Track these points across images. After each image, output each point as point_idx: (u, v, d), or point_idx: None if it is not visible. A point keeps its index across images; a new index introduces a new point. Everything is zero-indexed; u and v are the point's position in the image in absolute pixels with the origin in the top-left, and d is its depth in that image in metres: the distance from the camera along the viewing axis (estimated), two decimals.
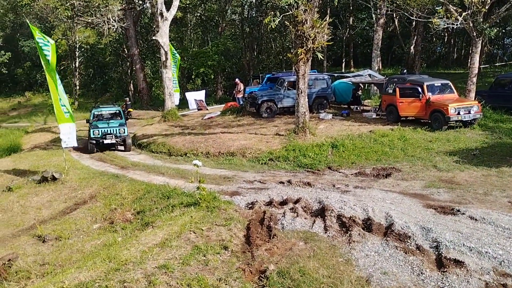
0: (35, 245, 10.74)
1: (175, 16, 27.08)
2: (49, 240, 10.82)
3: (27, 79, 55.54)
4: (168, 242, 7.80)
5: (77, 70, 43.84)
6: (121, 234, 10.10)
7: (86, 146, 20.18)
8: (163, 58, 24.79)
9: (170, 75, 25.21)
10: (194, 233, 8.18)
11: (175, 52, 28.36)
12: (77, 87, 43.35)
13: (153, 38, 25.69)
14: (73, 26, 38.19)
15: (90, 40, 42.07)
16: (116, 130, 19.54)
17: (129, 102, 32.21)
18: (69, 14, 31.67)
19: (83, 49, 44.54)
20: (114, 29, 30.21)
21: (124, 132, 19.65)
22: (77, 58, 43.30)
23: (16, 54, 53.04)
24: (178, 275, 6.63)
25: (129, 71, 43.22)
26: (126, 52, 41.17)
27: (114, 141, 19.44)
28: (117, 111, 21.01)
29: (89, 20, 30.62)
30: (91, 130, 19.35)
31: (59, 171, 15.43)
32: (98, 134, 19.23)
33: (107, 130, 19.39)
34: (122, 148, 20.21)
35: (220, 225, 8.58)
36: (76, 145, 16.97)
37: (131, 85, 42.37)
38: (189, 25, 44.12)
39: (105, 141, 19.21)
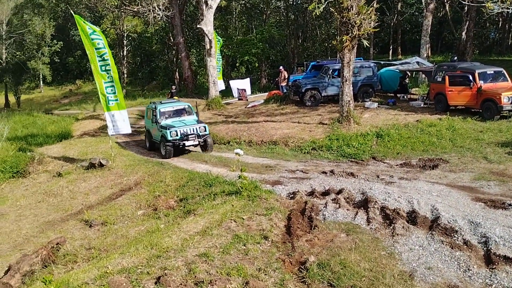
0: (82, 230, 11.12)
1: (219, 4, 27.15)
2: (95, 225, 11.17)
3: (78, 68, 57.45)
4: (209, 231, 7.86)
5: (125, 58, 44.85)
6: (164, 221, 10.28)
7: (151, 146, 17.79)
8: (208, 47, 24.91)
9: (214, 64, 25.33)
10: (235, 222, 8.21)
11: (218, 37, 28.41)
12: (125, 75, 44.37)
13: (198, 26, 25.83)
14: (121, 15, 38.96)
15: (137, 29, 42.90)
16: (196, 129, 16.04)
17: (175, 90, 32.59)
18: (116, 4, 32.30)
19: (130, 38, 45.49)
20: (160, 18, 30.58)
21: (205, 131, 16.24)
22: (125, 47, 44.27)
23: (68, 43, 54.79)
24: (218, 263, 6.68)
25: (174, 59, 43.73)
26: (172, 40, 41.63)
27: (197, 142, 16.01)
28: (187, 106, 17.42)
29: (136, 9, 31.11)
30: (168, 132, 15.55)
31: (106, 158, 15.87)
32: (177, 136, 15.58)
33: (188, 130, 15.84)
34: (196, 149, 17.01)
35: (260, 215, 8.56)
36: (129, 131, 17.15)
37: (177, 73, 42.88)
38: (234, 13, 44.13)
39: (187, 143, 15.70)
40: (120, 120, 16.03)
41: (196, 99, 32.47)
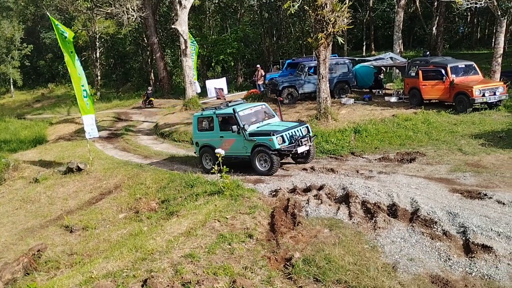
0: (63, 235, 10.99)
1: (193, 4, 27.02)
2: (76, 230, 11.06)
3: (49, 71, 56.44)
4: (193, 231, 7.88)
5: (98, 60, 44.25)
6: (147, 223, 10.25)
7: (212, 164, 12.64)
8: (183, 47, 24.80)
9: (190, 64, 25.24)
10: (219, 221, 8.25)
11: (193, 40, 28.35)
12: (99, 78, 43.80)
13: (172, 26, 25.68)
14: (93, 17, 38.45)
15: (110, 30, 42.35)
16: (302, 131, 12.73)
17: (150, 91, 32.39)
18: (89, 5, 31.89)
19: (103, 39, 44.89)
20: (133, 19, 30.32)
21: (309, 132, 13.04)
22: (98, 49, 43.68)
23: (38, 46, 53.79)
24: (204, 263, 6.71)
25: (149, 60, 43.42)
26: (146, 41, 41.33)
27: (308, 147, 12.69)
28: (264, 107, 13.85)
29: (108, 11, 30.77)
30: (274, 138, 11.84)
31: (84, 162, 15.68)
32: (284, 142, 12.07)
33: (295, 132, 12.49)
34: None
35: (244, 213, 8.62)
36: (97, 136, 17.01)
37: (152, 74, 42.59)
38: (208, 12, 43.99)
39: (300, 150, 12.28)
40: (94, 123, 15.95)
41: (173, 99, 32.41)
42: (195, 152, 14.06)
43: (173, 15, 29.08)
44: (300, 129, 12.68)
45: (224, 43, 36.47)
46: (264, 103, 14.70)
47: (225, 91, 29.38)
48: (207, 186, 10.82)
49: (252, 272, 6.50)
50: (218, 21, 46.42)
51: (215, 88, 28.68)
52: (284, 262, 6.80)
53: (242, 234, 7.72)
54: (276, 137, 11.93)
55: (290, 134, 12.33)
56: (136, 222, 10.73)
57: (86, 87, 15.74)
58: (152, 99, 31.54)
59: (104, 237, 10.33)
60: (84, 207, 12.83)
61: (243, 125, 12.41)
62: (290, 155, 12.48)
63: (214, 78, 35.60)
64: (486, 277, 6.10)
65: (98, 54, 43.85)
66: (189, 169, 13.54)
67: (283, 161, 12.81)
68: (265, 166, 12.18)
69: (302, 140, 12.30)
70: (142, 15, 30.86)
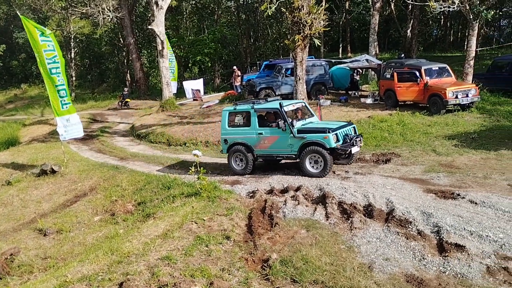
0: (37, 239, 10.79)
1: (170, 5, 26.88)
2: (50, 234, 10.87)
3: (22, 71, 55.35)
4: (170, 233, 7.83)
5: (73, 61, 43.60)
6: (123, 226, 10.14)
7: (246, 164, 12.22)
8: (160, 47, 24.62)
9: (167, 64, 25.08)
10: (196, 223, 8.21)
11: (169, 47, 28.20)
12: (73, 78, 43.15)
13: (149, 27, 25.50)
14: (68, 16, 37.89)
15: (85, 30, 41.79)
16: (351, 131, 11.98)
17: (127, 92, 32.08)
18: (63, 5, 31.41)
19: (78, 39, 44.26)
20: (109, 19, 30.00)
21: (355, 132, 12.30)
22: (73, 49, 43.04)
23: (11, 46, 52.69)
24: (181, 266, 6.67)
25: (125, 61, 43.02)
26: (122, 42, 40.92)
27: (358, 147, 11.76)
28: (304, 105, 13.07)
29: (84, 11, 30.37)
30: (329, 136, 10.86)
31: (58, 164, 15.43)
32: (337, 141, 11.14)
33: (348, 131, 11.81)
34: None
35: (221, 215, 8.60)
36: (81, 136, 16.76)
37: (128, 75, 42.19)
38: (185, 13, 43.82)
39: (353, 150, 11.38)
40: (75, 124, 15.66)
41: (149, 100, 32.16)
42: (221, 151, 13.04)
43: (149, 15, 28.90)
44: (350, 128, 11.94)
45: (201, 44, 36.39)
46: (303, 100, 13.95)
47: (202, 92, 29.29)
48: (184, 188, 10.76)
49: (229, 274, 6.49)
50: (195, 22, 46.29)
51: (192, 89, 28.57)
52: (262, 263, 6.81)
53: (219, 236, 7.70)
54: (332, 135, 10.99)
55: (344, 132, 11.53)
56: (112, 224, 10.61)
57: (66, 87, 15.46)
58: (128, 100, 31.25)
59: (79, 240, 10.18)
60: (58, 210, 12.61)
61: (291, 121, 11.50)
62: (344, 155, 11.83)
63: (191, 79, 35.44)
64: (459, 275, 6.22)
65: (73, 55, 43.21)
66: (167, 171, 13.44)
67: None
68: (316, 167, 11.18)
69: (357, 139, 11.47)
70: (118, 15, 30.56)
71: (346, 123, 12.25)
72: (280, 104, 11.70)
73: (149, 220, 9.36)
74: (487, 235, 7.12)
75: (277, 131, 11.62)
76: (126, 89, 33.48)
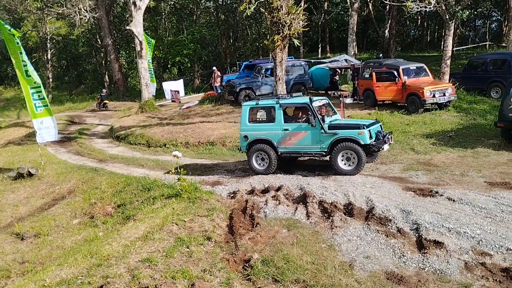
0: (14, 243, 10.57)
1: (148, 5, 26.67)
2: (27, 238, 10.66)
3: None
4: (151, 235, 7.76)
5: (50, 62, 42.94)
6: (102, 228, 10.02)
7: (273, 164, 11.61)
8: (138, 48, 24.42)
9: (146, 65, 24.89)
10: (177, 225, 8.16)
11: (149, 38, 27.96)
12: (50, 80, 42.48)
13: (127, 27, 25.26)
14: (44, 17, 37.31)
15: (61, 31, 41.16)
16: (380, 128, 11.62)
17: (105, 94, 31.73)
18: (39, 5, 30.92)
19: (54, 40, 43.58)
20: (86, 20, 29.65)
21: (382, 129, 11.79)
22: (49, 50, 42.37)
23: None
24: (162, 268, 6.61)
25: (103, 62, 42.51)
26: (100, 42, 40.48)
27: (389, 144, 11.56)
28: (327, 101, 12.43)
29: (60, 11, 29.94)
30: (364, 132, 10.57)
31: (35, 167, 15.17)
32: (371, 137, 10.79)
33: (379, 128, 11.53)
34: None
35: (202, 216, 8.57)
36: (56, 139, 16.53)
37: (106, 76, 41.70)
38: (163, 13, 43.54)
39: (385, 147, 11.07)
40: (49, 127, 15.41)
41: (128, 101, 31.86)
42: (239, 149, 12.44)
43: (127, 16, 28.59)
44: (378, 126, 11.53)
45: (180, 45, 36.20)
46: (325, 97, 13.39)
47: (182, 93, 29.14)
48: (164, 189, 10.67)
49: (211, 275, 6.47)
50: (174, 22, 46.05)
51: (171, 91, 28.41)
52: (243, 264, 6.80)
53: (200, 237, 7.67)
54: (367, 131, 10.66)
55: (377, 129, 11.21)
56: (91, 227, 10.46)
57: (42, 89, 15.22)
58: (107, 101, 30.92)
59: (58, 244, 10.01)
60: (36, 214, 12.39)
61: (322, 117, 11.07)
62: (378, 152, 11.46)
63: (170, 80, 35.22)
64: (438, 272, 6.30)
65: (49, 56, 42.55)
66: (147, 173, 13.32)
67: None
68: (348, 164, 10.80)
69: (390, 136, 11.28)
70: (95, 16, 30.21)
71: (374, 120, 11.91)
72: (310, 99, 11.32)
73: (129, 222, 9.27)
74: (464, 232, 7.23)
75: (305, 127, 11.18)
76: (104, 90, 33.13)
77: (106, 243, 7.80)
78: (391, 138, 11.41)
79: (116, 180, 12.91)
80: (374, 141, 10.76)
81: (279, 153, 11.51)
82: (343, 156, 10.82)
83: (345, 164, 10.86)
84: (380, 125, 11.73)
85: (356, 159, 10.66)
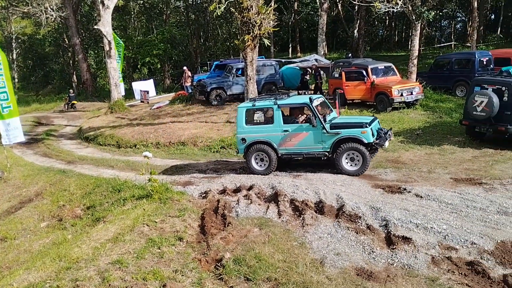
0: None
1: (117, 4, 26.28)
2: None
3: None
4: (121, 237, 7.67)
5: (15, 62, 41.89)
6: (71, 231, 9.85)
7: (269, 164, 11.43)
8: (107, 48, 24.05)
9: (115, 65, 24.54)
10: (148, 226, 8.09)
11: (119, 40, 27.61)
12: (16, 80, 41.45)
13: (95, 27, 24.85)
14: (8, 16, 36.37)
15: (27, 30, 40.23)
16: (378, 124, 11.60)
17: (73, 94, 31.16)
18: (3, 4, 30.12)
19: (20, 40, 42.54)
20: (53, 19, 29.02)
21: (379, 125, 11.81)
22: (14, 50, 41.34)
23: None
24: (133, 269, 6.55)
25: (71, 61, 41.72)
26: (67, 42, 39.71)
27: (389, 141, 11.37)
28: (322, 99, 12.13)
29: (25, 10, 29.23)
30: (368, 130, 10.50)
31: (1, 169, 14.80)
32: (373, 135, 10.66)
33: (378, 125, 11.47)
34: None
35: (174, 216, 8.51)
36: (23, 140, 16.14)
37: (74, 76, 40.94)
38: (132, 13, 43.01)
39: (386, 144, 10.86)
40: (16, 128, 15.04)
41: (97, 102, 31.36)
42: (236, 151, 12.26)
43: (95, 15, 28.14)
44: (377, 122, 11.35)
45: (150, 45, 35.86)
46: (321, 95, 13.20)
47: (153, 93, 28.86)
48: (135, 190, 10.56)
49: (182, 275, 6.44)
50: (143, 22, 45.57)
51: (141, 91, 28.10)
52: (215, 263, 6.79)
53: (172, 238, 7.62)
54: (370, 129, 10.47)
55: (377, 126, 11.11)
56: (59, 230, 10.27)
57: (8, 89, 14.83)
58: (75, 102, 30.37)
59: (25, 247, 9.79)
60: (2, 217, 12.08)
61: (323, 116, 10.87)
62: (377, 151, 11.35)
63: (140, 80, 34.82)
64: (406, 266, 6.44)
65: (15, 56, 41.50)
66: (117, 174, 13.14)
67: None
68: (352, 164, 10.66)
69: (390, 133, 11.13)
70: (62, 15, 29.62)
71: (372, 117, 11.56)
72: (310, 98, 11.02)
73: (99, 224, 9.13)
74: (431, 227, 7.42)
75: (305, 127, 10.96)
76: (71, 90, 32.54)
77: (75, 245, 7.67)
78: (391, 134, 11.30)
79: (85, 181, 12.70)
80: (376, 139, 10.66)
81: (280, 155, 11.29)
82: (347, 156, 10.68)
83: (349, 164, 10.73)
84: (378, 121, 11.60)
85: (360, 159, 10.54)
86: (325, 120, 10.82)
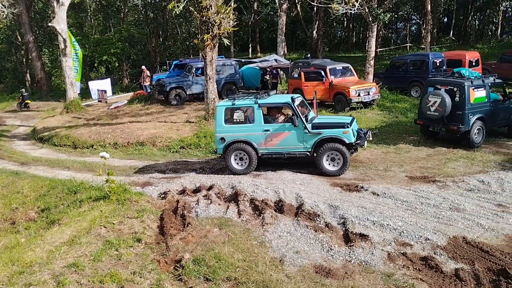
0: None
1: (72, 1, 25.56)
2: None
3: None
4: (77, 239, 7.48)
5: None
6: (24, 234, 9.51)
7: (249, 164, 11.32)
8: (62, 46, 23.37)
9: (70, 64, 23.87)
10: (105, 227, 7.92)
11: (76, 43, 26.93)
12: None
13: (50, 24, 24.11)
14: None
15: None
16: (357, 125, 11.82)
17: (26, 93, 30.11)
18: None
19: None
20: (4, 16, 27.91)
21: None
22: None
23: None
24: (89, 272, 6.41)
25: (24, 60, 40.33)
26: (20, 39, 38.35)
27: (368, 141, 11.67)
28: (301, 98, 12.12)
29: None
30: (349, 130, 10.59)
31: None
32: (354, 135, 10.75)
33: (357, 126, 11.66)
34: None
35: (132, 218, 8.38)
36: None
37: (28, 75, 39.58)
38: (89, 10, 41.98)
39: (365, 144, 11.06)
40: None
41: (52, 101, 30.43)
42: (215, 151, 11.99)
43: (50, 12, 27.31)
44: (355, 122, 11.47)
45: (108, 43, 35.11)
46: (299, 94, 13.13)
47: (110, 92, 28.26)
48: (91, 192, 10.31)
49: (141, 277, 6.35)
50: (100, 20, 44.52)
51: (98, 90, 27.46)
52: (174, 264, 6.73)
53: (130, 239, 7.50)
54: (351, 129, 10.55)
55: (356, 127, 11.24)
56: (12, 233, 9.88)
57: None
58: (29, 101, 29.36)
59: None
60: None
61: (305, 116, 10.88)
62: (357, 151, 11.42)
63: (97, 79, 34.03)
64: (363, 263, 6.59)
65: None
66: (73, 175, 12.79)
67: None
68: (333, 164, 10.70)
69: (369, 133, 11.33)
70: (14, 11, 28.51)
71: (351, 117, 11.55)
72: (292, 98, 10.97)
73: (53, 227, 8.86)
74: (387, 224, 7.62)
75: (287, 127, 10.89)
76: (24, 90, 31.46)
77: (28, 249, 7.43)
78: (370, 135, 11.44)
79: (40, 183, 12.30)
80: (356, 139, 10.75)
81: (260, 155, 11.20)
82: (328, 156, 10.73)
83: (330, 165, 10.77)
84: (356, 122, 11.68)
85: (341, 160, 10.60)
86: (307, 120, 10.84)
